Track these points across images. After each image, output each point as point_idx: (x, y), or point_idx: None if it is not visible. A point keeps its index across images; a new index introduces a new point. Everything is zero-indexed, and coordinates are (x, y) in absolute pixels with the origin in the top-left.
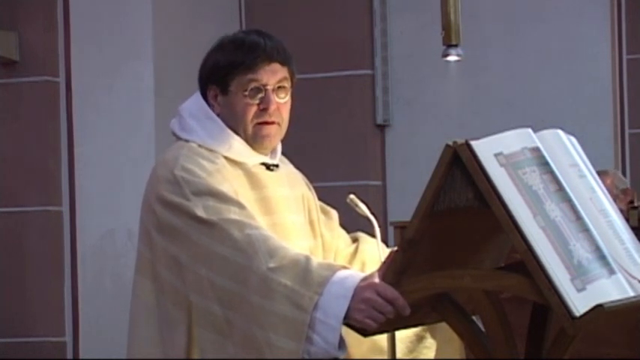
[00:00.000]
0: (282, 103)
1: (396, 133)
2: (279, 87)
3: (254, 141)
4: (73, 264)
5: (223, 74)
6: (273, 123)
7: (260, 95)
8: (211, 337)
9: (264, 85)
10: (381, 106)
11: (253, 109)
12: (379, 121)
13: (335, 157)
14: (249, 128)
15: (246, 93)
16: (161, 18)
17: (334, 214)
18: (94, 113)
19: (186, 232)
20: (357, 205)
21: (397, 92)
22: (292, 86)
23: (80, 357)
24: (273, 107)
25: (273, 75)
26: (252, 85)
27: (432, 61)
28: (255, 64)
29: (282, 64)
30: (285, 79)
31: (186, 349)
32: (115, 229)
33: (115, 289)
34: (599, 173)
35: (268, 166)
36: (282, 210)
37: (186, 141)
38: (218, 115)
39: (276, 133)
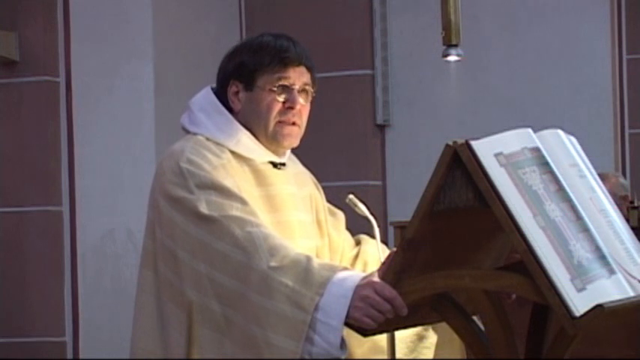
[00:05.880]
0: (304, 105)
1: (396, 133)
2: (303, 90)
3: (274, 139)
4: (73, 264)
5: (251, 70)
6: (294, 124)
7: (286, 94)
8: (210, 335)
9: (292, 85)
10: (381, 106)
11: (278, 106)
12: (379, 121)
13: (335, 157)
14: (271, 125)
15: (275, 89)
16: (161, 18)
17: (341, 216)
18: (94, 113)
19: (185, 228)
20: (356, 205)
21: (397, 92)
22: (314, 93)
23: (80, 357)
24: (298, 107)
25: (300, 77)
26: (282, 82)
27: (432, 61)
28: (285, 63)
29: (308, 69)
30: (309, 83)
31: (185, 346)
32: (115, 229)
33: (115, 289)
34: (598, 176)
35: (275, 164)
36: (287, 208)
37: (195, 134)
38: (237, 112)
39: (296, 135)
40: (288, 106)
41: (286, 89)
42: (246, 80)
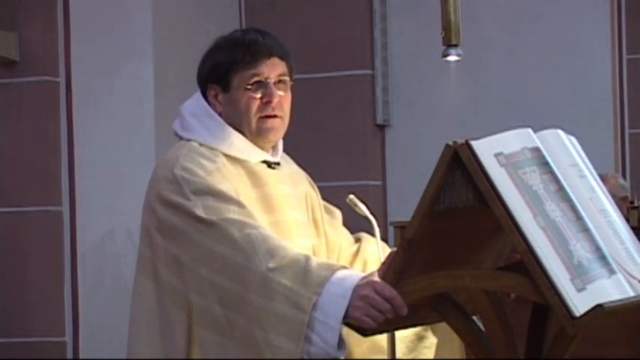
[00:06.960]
0: (283, 96)
1: (396, 133)
2: (279, 81)
3: (258, 135)
4: (73, 264)
5: (224, 72)
6: (276, 116)
7: (262, 89)
8: (212, 337)
9: (266, 79)
10: (381, 106)
11: (256, 103)
12: (379, 121)
13: (335, 157)
14: (253, 122)
15: (249, 87)
16: (161, 18)
17: (338, 213)
18: (94, 113)
19: (186, 232)
20: (356, 205)
21: (397, 92)
22: (291, 81)
23: (80, 357)
24: (276, 100)
25: (274, 69)
26: (255, 79)
27: (432, 61)
28: (255, 58)
29: (281, 58)
30: (284, 73)
31: (186, 349)
32: (115, 229)
33: (115, 289)
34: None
35: (269, 164)
36: (283, 208)
37: (188, 140)
38: (220, 114)
39: (279, 126)
40: (266, 100)
41: (261, 84)
42: (222, 82)
